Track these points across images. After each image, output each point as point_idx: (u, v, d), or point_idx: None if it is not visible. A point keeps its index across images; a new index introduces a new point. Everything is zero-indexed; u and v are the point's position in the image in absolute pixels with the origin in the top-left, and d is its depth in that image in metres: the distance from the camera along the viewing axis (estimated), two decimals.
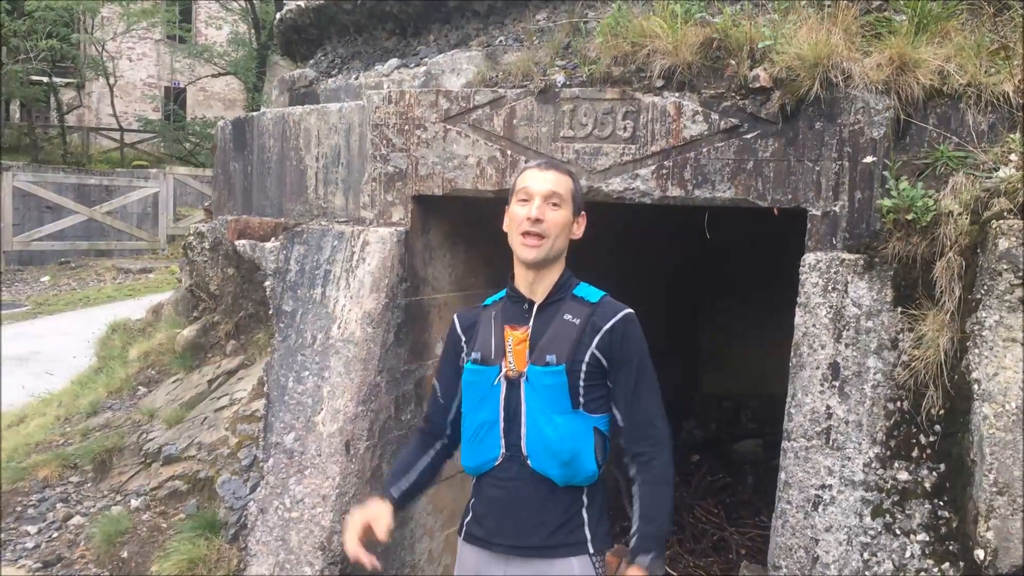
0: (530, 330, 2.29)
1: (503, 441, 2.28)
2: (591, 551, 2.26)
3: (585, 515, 2.28)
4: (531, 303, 2.31)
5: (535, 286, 2.31)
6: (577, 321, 2.27)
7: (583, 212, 2.38)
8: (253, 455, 3.91)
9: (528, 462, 2.25)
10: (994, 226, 2.54)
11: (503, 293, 2.42)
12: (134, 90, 26.11)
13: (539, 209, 2.23)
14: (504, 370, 2.28)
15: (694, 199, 3.10)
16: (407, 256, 3.53)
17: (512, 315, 2.33)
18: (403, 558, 3.55)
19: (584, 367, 2.24)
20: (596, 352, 2.25)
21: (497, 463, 2.29)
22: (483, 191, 3.42)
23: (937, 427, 2.66)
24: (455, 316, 2.50)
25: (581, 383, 2.24)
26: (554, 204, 2.26)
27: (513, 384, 2.27)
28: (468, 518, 2.40)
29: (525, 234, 2.24)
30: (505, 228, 2.35)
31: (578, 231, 2.36)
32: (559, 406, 2.23)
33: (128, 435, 4.71)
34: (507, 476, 2.28)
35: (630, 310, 2.31)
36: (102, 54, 22.62)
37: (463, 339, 2.42)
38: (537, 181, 2.28)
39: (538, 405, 2.24)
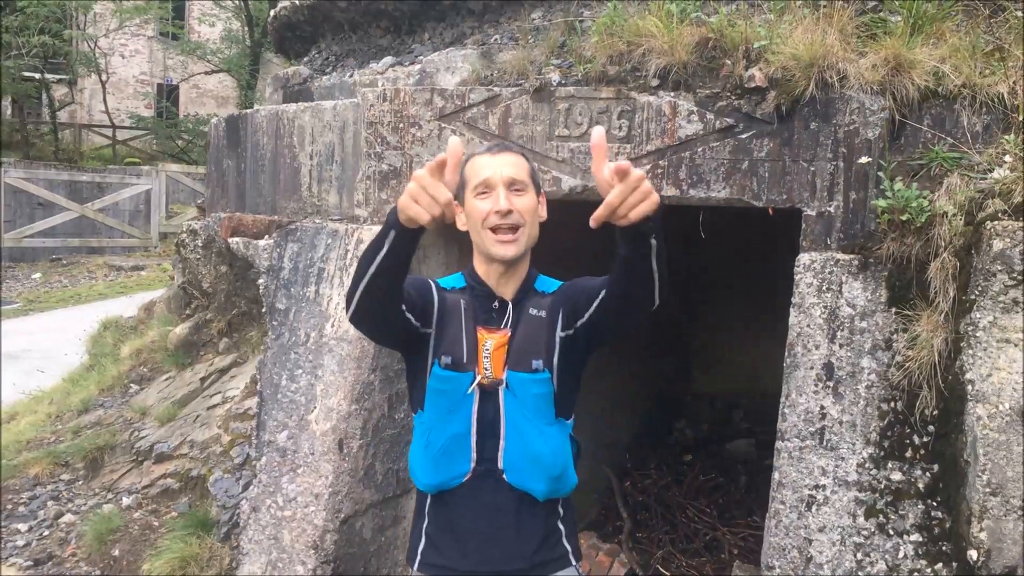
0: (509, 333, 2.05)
1: (475, 455, 2.03)
2: (574, 563, 2.12)
3: (562, 527, 2.12)
4: (502, 301, 2.09)
5: (505, 282, 2.09)
6: (543, 314, 2.06)
7: (543, 191, 2.13)
8: (246, 453, 3.90)
9: (504, 477, 2.03)
10: (988, 227, 2.55)
11: (461, 281, 2.16)
12: (126, 87, 25.98)
13: (506, 199, 1.99)
14: (479, 378, 2.03)
15: (689, 199, 3.10)
16: None
17: (482, 314, 2.08)
18: (395, 557, 3.54)
19: (556, 362, 2.04)
20: (562, 334, 2.04)
21: (465, 479, 2.04)
22: None
23: (931, 428, 2.66)
24: (431, 282, 2.15)
25: (556, 383, 2.05)
26: (517, 190, 2.01)
27: (488, 393, 2.03)
28: (423, 544, 2.11)
29: (496, 229, 2.00)
30: (462, 227, 2.11)
31: (543, 211, 2.10)
32: (547, 416, 2.04)
33: (120, 433, 4.70)
34: (480, 494, 2.04)
35: None
36: (94, 50, 22.48)
37: (436, 308, 2.08)
38: (494, 168, 2.02)
39: (523, 416, 2.02)
